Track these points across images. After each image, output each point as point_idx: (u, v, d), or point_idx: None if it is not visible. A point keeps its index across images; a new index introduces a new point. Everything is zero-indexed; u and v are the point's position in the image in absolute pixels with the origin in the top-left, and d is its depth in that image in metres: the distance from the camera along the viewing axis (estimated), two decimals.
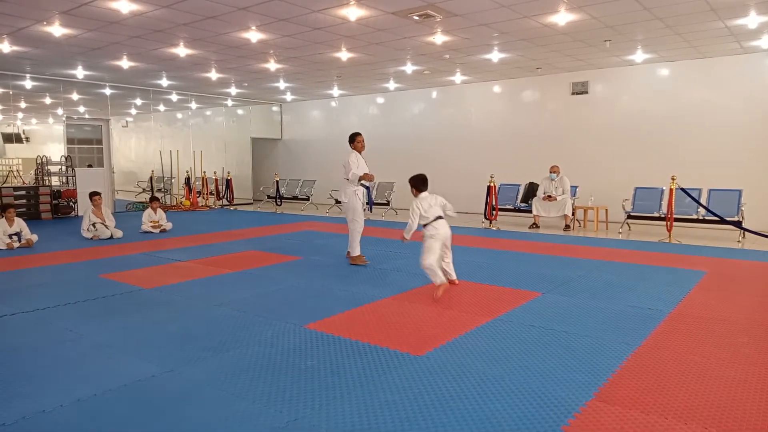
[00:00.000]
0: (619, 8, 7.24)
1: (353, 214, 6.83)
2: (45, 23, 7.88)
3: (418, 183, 5.42)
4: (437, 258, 5.17)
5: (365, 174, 6.78)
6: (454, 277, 5.67)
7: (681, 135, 10.77)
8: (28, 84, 12.96)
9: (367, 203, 7.19)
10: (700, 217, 9.13)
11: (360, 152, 6.93)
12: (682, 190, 8.97)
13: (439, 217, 5.27)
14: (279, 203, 14.93)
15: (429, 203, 5.30)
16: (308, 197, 15.24)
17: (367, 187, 7.09)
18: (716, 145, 10.38)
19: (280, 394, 3.03)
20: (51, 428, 2.68)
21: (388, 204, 13.20)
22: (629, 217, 9.85)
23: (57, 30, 8.20)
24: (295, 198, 15.51)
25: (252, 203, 17.20)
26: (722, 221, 8.75)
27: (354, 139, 6.98)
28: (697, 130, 10.60)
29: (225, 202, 16.49)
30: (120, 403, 2.94)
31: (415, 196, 5.40)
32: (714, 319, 4.45)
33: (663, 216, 9.24)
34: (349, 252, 7.01)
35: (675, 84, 10.89)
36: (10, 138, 20.97)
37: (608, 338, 3.98)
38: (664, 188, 9.72)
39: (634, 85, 11.36)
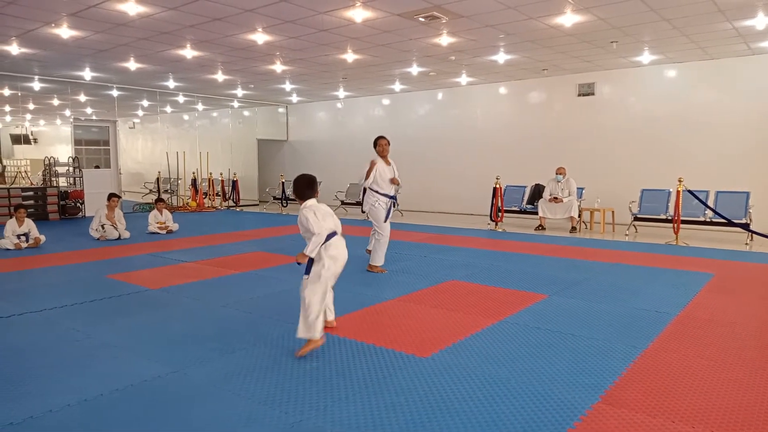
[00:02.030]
0: (625, 10, 7.22)
1: (376, 224, 6.42)
2: (53, 25, 7.94)
3: (303, 187, 3.97)
4: (326, 295, 3.73)
5: (391, 179, 6.38)
6: (332, 317, 4.25)
7: (688, 137, 10.72)
8: (36, 85, 13.05)
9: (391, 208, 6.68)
10: (708, 219, 9.07)
11: (384, 157, 6.41)
12: (689, 192, 8.93)
13: (335, 233, 3.79)
14: (285, 204, 14.96)
15: (323, 212, 3.81)
16: None
17: (392, 197, 6.48)
18: (723, 146, 10.33)
19: (285, 395, 3.04)
20: (58, 427, 2.70)
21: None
22: (636, 219, 9.80)
23: (65, 32, 8.25)
24: None
25: (258, 204, 17.25)
26: (730, 223, 8.70)
27: (376, 144, 6.47)
28: (704, 132, 10.55)
29: (231, 203, 16.54)
30: (126, 403, 2.95)
31: (301, 203, 3.91)
32: (721, 322, 4.43)
33: (670, 218, 9.20)
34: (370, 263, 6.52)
35: (682, 85, 10.84)
36: (18, 139, 21.11)
37: (614, 341, 3.96)
38: (671, 190, 9.67)
39: (641, 87, 11.32)
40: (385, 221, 6.42)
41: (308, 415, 2.80)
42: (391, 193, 6.46)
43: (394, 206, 6.74)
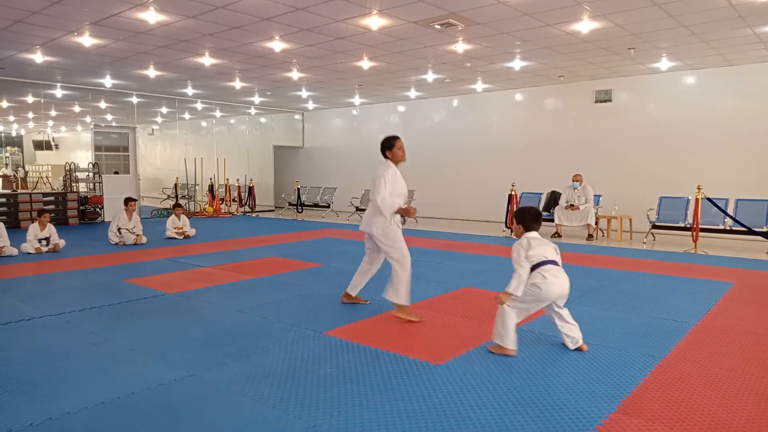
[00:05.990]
0: (643, 16, 7.17)
1: (394, 249, 4.72)
2: (76, 34, 8.10)
3: (526, 219, 3.92)
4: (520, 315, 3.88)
5: (404, 209, 4.71)
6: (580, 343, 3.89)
7: (707, 144, 10.58)
8: (59, 93, 13.31)
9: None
10: (728, 228, 8.93)
11: (397, 164, 4.84)
12: (708, 199, 8.80)
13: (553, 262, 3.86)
14: (300, 210, 15.04)
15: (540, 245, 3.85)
16: (329, 204, 15.32)
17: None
18: (743, 153, 10.17)
19: (299, 401, 3.05)
20: (75, 429, 2.73)
21: None
22: (654, 226, 9.68)
23: (87, 40, 8.42)
24: (316, 205, 15.61)
25: (273, 210, 17.36)
26: (750, 232, 8.56)
27: (392, 146, 4.76)
28: (723, 139, 10.40)
29: (247, 208, 16.67)
30: (142, 406, 2.98)
31: (519, 235, 3.92)
32: (741, 332, 4.35)
33: (689, 226, 9.07)
34: (396, 303, 4.74)
35: (701, 92, 10.72)
36: (40, 145, 21.57)
37: (631, 350, 3.91)
38: (689, 198, 9.54)
39: (659, 93, 11.21)
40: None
41: (321, 421, 2.80)
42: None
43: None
